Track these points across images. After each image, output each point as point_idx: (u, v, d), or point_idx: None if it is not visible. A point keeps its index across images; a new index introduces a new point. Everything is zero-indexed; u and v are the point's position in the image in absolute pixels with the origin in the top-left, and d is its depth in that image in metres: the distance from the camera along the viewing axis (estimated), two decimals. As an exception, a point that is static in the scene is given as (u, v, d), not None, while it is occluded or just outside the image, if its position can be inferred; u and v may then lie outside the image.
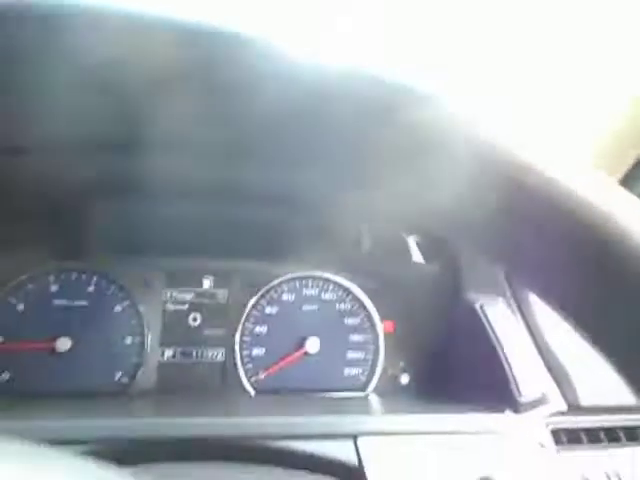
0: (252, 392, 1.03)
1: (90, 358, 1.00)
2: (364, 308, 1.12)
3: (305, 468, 0.74)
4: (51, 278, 1.03)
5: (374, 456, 0.75)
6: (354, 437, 0.77)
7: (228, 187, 0.88)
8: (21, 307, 1.01)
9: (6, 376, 0.97)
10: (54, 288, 1.03)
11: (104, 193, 0.90)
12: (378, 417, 0.80)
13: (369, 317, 1.12)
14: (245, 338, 1.06)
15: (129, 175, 0.83)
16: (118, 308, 1.04)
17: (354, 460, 0.75)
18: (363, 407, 0.96)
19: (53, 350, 0.98)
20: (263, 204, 0.95)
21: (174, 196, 0.96)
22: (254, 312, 1.08)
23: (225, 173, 0.87)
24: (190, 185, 0.88)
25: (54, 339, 0.98)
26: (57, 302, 1.02)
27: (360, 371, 1.09)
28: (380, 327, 1.11)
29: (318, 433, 0.76)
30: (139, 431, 0.72)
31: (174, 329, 1.05)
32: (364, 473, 0.74)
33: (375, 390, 1.08)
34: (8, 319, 0.99)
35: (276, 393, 1.04)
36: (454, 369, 0.98)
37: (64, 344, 0.98)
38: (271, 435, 0.76)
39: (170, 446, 0.73)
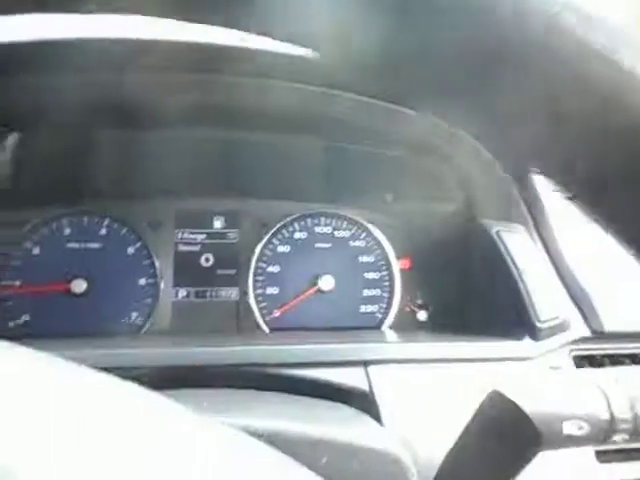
0: (267, 330, 1.03)
1: (105, 299, 1.01)
2: (379, 245, 1.09)
3: (316, 395, 0.73)
4: (64, 222, 1.03)
5: (386, 383, 0.74)
6: (365, 364, 0.75)
7: (244, 113, 0.85)
8: (36, 251, 1.02)
9: (25, 318, 0.99)
10: (67, 231, 1.03)
11: (113, 125, 0.89)
12: (390, 345, 0.78)
13: (384, 254, 1.09)
14: (258, 277, 1.05)
15: (141, 102, 0.82)
16: (130, 250, 1.04)
17: (365, 387, 0.74)
18: (376, 337, 0.95)
19: (68, 292, 0.99)
20: (280, 131, 0.93)
21: (184, 129, 0.94)
22: (266, 251, 1.06)
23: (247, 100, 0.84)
24: (202, 111, 0.85)
25: (69, 281, 0.99)
26: (71, 245, 1.03)
27: (376, 308, 1.08)
28: (396, 264, 1.08)
29: (329, 360, 0.75)
30: (156, 360, 0.72)
31: (187, 270, 1.05)
32: (375, 400, 0.73)
33: (392, 327, 1.06)
34: (24, 263, 1.01)
35: (291, 330, 1.03)
36: (472, 301, 0.95)
37: (79, 286, 0.99)
38: (283, 363, 0.75)
39: (185, 374, 0.73)
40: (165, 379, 0.71)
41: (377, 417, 0.71)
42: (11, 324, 0.98)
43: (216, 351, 0.75)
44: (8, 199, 1.07)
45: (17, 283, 1.00)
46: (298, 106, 0.88)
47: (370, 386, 0.73)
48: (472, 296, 0.95)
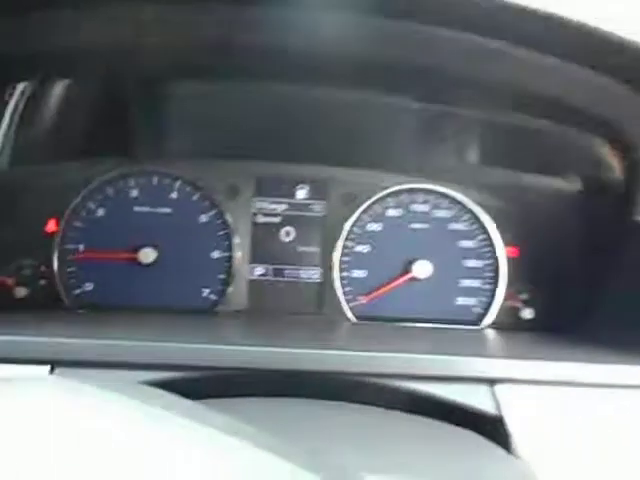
0: (353, 318, 0.91)
1: (176, 272, 0.91)
2: (483, 229, 0.95)
3: (427, 413, 0.62)
4: (131, 182, 0.92)
5: (516, 407, 0.62)
6: (491, 382, 0.63)
7: (335, 62, 0.70)
8: (101, 213, 0.92)
9: (89, 287, 0.90)
10: (134, 193, 0.92)
11: (190, 72, 0.75)
12: (521, 361, 0.66)
13: (488, 240, 0.94)
14: (344, 258, 0.93)
15: (219, 46, 0.68)
16: (203, 218, 0.92)
17: (492, 409, 0.61)
18: (493, 345, 0.82)
19: (136, 261, 0.89)
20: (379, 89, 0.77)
21: (268, 82, 0.80)
22: (355, 229, 0.93)
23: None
24: (287, 59, 0.70)
25: (137, 250, 0.89)
26: (138, 209, 0.92)
27: (475, 302, 0.94)
28: (502, 252, 0.94)
29: (446, 375, 0.63)
30: (227, 360, 0.61)
31: (265, 244, 0.93)
32: (504, 425, 0.61)
33: (492, 324, 0.93)
34: (88, 226, 0.91)
35: (378, 321, 0.92)
36: (602, 306, 0.81)
37: (148, 255, 0.89)
38: (388, 373, 0.63)
39: (264, 379, 0.62)
40: (241, 384, 0.61)
41: (505, 445, 0.59)
42: (74, 292, 0.89)
43: (304, 354, 0.63)
44: (69, 154, 0.96)
45: (80, 247, 0.91)
46: (407, 55, 0.71)
47: (499, 410, 0.61)
48: (603, 300, 0.81)
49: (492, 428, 0.61)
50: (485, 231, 0.95)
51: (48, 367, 0.58)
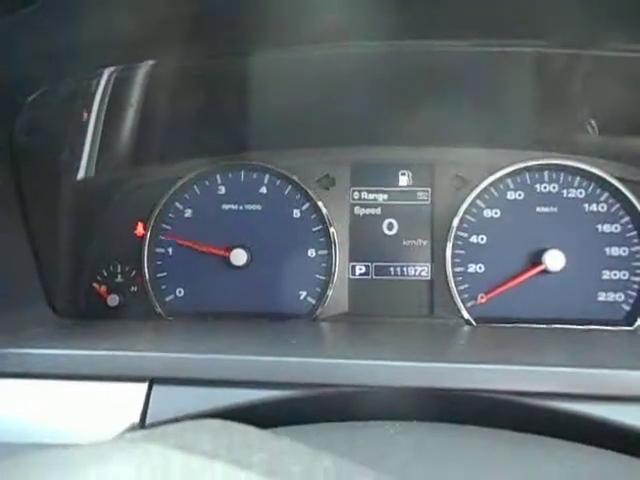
0: (471, 320, 0.79)
1: (269, 274, 0.83)
2: (627, 209, 0.79)
3: (589, 441, 0.48)
4: (218, 178, 0.86)
5: None
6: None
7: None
8: (188, 213, 0.86)
9: (180, 293, 0.85)
10: (222, 190, 0.86)
11: (268, 43, 0.66)
12: None
13: (635, 222, 0.78)
14: (458, 251, 0.81)
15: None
16: (297, 213, 0.84)
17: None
18: None
19: (228, 262, 0.82)
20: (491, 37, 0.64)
21: (361, 45, 0.69)
22: (468, 217, 0.81)
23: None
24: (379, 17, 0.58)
25: (227, 251, 0.82)
26: (227, 207, 0.85)
27: (622, 297, 0.79)
28: (653, 236, 0.77)
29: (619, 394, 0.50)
30: (339, 377, 0.52)
31: (365, 239, 0.83)
32: None
33: (647, 324, 0.77)
34: (176, 228, 0.85)
35: (501, 323, 0.78)
36: None
37: (239, 257, 0.82)
38: (533, 392, 0.51)
39: (376, 397, 0.52)
40: (341, 401, 0.51)
41: None
42: (166, 299, 0.84)
43: (427, 368, 0.52)
44: (153, 156, 0.91)
45: (169, 251, 0.85)
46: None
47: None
48: None
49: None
50: (630, 211, 0.78)
51: (146, 384, 0.53)
